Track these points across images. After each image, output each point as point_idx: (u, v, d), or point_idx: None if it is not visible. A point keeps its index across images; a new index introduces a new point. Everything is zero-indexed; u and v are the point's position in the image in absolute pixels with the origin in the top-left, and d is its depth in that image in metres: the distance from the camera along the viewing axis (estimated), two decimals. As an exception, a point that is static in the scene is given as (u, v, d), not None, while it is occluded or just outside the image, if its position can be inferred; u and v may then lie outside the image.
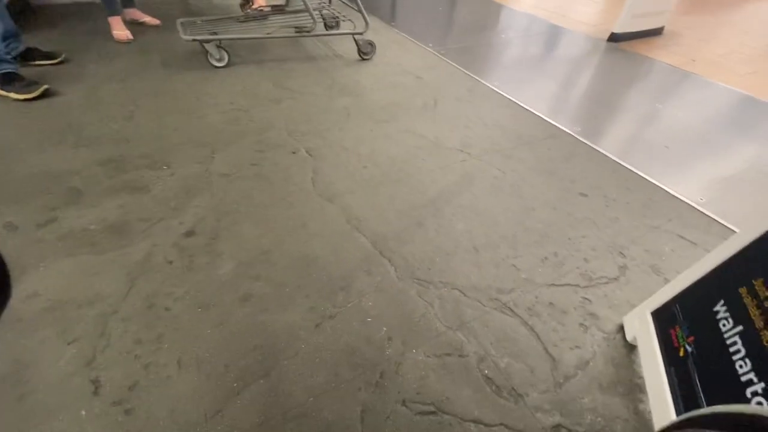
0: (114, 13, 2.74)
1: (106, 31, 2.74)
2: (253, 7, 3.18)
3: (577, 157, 1.94)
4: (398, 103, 2.28)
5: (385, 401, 0.96)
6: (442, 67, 2.79)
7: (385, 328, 1.11)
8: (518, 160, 1.87)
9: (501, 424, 0.94)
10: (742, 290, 0.80)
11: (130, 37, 2.76)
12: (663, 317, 1.01)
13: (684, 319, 0.94)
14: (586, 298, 1.25)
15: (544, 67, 2.96)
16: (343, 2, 3.18)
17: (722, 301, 0.84)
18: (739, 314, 0.80)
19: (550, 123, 2.21)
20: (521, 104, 2.37)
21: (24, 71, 2.12)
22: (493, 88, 2.55)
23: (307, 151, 1.81)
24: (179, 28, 2.46)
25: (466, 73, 2.71)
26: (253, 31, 2.68)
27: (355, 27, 2.75)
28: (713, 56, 3.37)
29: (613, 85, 2.75)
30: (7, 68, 1.98)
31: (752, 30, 4.29)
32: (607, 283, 1.31)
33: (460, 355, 1.06)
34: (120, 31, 2.75)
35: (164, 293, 1.16)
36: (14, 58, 2.13)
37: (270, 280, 1.21)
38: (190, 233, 1.36)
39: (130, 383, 0.95)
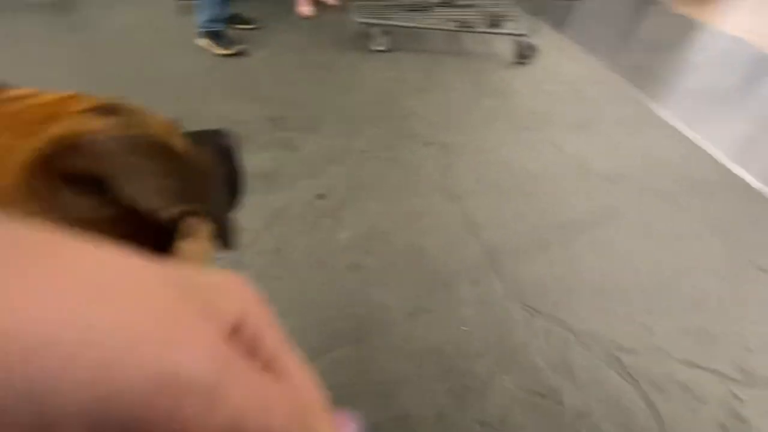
0: (303, -11, 3.09)
1: (292, 4, 3.11)
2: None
3: (764, 222, 1.55)
4: (549, 114, 2.11)
5: (463, 415, 0.92)
6: (609, 83, 2.48)
7: (478, 343, 1.06)
8: (682, 208, 1.57)
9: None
10: None
11: (313, 14, 3.09)
12: None
13: None
14: (736, 396, 1.00)
15: (739, 103, 2.42)
16: (514, 1, 3.04)
17: None
18: None
19: (734, 173, 1.80)
20: (698, 143, 1.98)
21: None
22: (664, 117, 2.18)
23: (442, 145, 1.81)
24: (354, 9, 2.66)
25: (635, 94, 2.37)
26: (417, 20, 2.75)
27: (517, 28, 2.61)
28: None
29: None
30: (219, 27, 2.40)
31: None
32: (774, 386, 1.03)
33: (556, 401, 0.96)
34: (304, 7, 3.10)
35: (290, 242, 1.30)
36: (224, 19, 2.57)
37: (380, 257, 1.26)
38: (321, 196, 1.48)
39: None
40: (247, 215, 1.36)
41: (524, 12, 2.52)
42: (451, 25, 2.65)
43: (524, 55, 2.60)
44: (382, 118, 1.96)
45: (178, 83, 2.09)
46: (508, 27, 2.82)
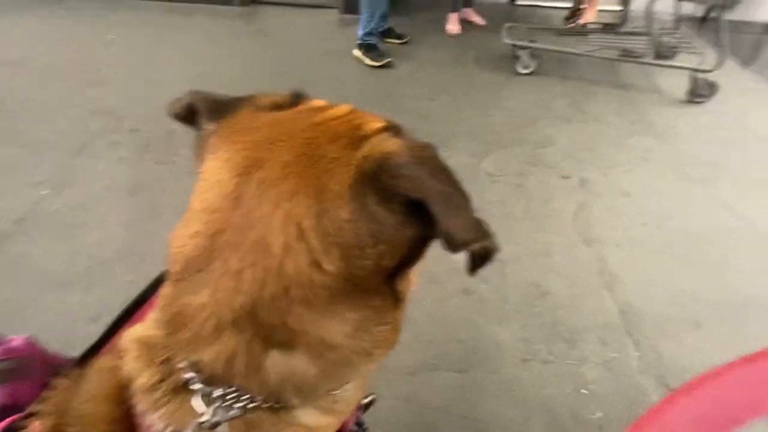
0: (455, 9, 3.17)
1: (443, 22, 3.20)
2: (580, 21, 3.06)
3: None
4: (721, 165, 1.78)
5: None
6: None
7: (600, 414, 0.93)
8: None
9: None
10: None
11: (459, 32, 3.15)
12: None
13: None
14: None
15: None
16: (692, 30, 2.65)
17: None
18: None
19: None
20: None
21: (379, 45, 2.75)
22: None
23: (580, 181, 1.66)
24: (504, 31, 2.62)
25: None
26: (572, 45, 2.58)
27: (700, 63, 2.25)
28: None
29: None
30: (373, 40, 2.59)
31: None
32: None
33: None
34: (453, 25, 3.17)
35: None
36: (379, 33, 2.78)
37: (496, 288, 1.20)
38: (443, 213, 1.48)
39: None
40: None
41: (705, 43, 2.17)
42: (611, 53, 2.42)
43: (699, 93, 2.24)
44: (516, 143, 1.89)
45: (332, 88, 2.32)
46: (684, 60, 2.47)
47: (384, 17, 2.72)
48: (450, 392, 0.96)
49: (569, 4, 3.34)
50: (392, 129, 0.27)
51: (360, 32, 2.58)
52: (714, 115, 2.16)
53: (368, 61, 2.59)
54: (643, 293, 1.20)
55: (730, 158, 1.82)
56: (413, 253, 0.28)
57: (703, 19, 3.75)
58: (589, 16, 3.06)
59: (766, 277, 1.28)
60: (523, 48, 2.49)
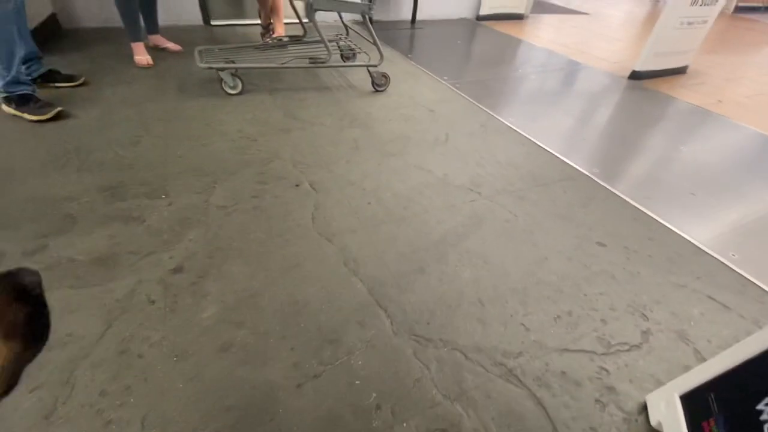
0: (136, 39, 2.81)
1: (129, 55, 2.81)
2: (273, 35, 3.25)
3: (594, 201, 1.83)
4: (409, 136, 2.23)
5: (367, 485, 0.84)
6: (457, 101, 2.74)
7: (374, 394, 1.00)
8: (532, 203, 1.77)
9: None
10: (794, 390, 0.67)
11: (151, 62, 2.82)
12: (694, 405, 0.87)
13: (719, 412, 0.80)
14: (603, 368, 1.11)
15: (562, 103, 2.89)
16: (360, 34, 3.21)
17: (767, 399, 0.71)
18: (791, 420, 0.66)
19: (567, 163, 2.11)
20: (537, 142, 2.29)
21: (43, 93, 2.17)
22: (508, 124, 2.48)
23: (310, 185, 1.75)
24: (196, 55, 2.49)
25: (480, 108, 2.66)
26: (268, 60, 2.70)
27: (369, 59, 2.74)
28: (739, 97, 3.25)
29: (634, 124, 2.65)
30: (24, 90, 2.01)
31: (781, 71, 4.16)
32: (628, 350, 1.17)
33: (456, 432, 0.94)
34: (141, 56, 2.82)
35: (141, 337, 1.08)
36: (34, 79, 2.18)
37: (254, 327, 1.12)
38: (178, 269, 1.29)
39: (88, 444, 0.86)
40: (79, 319, 1.10)
41: (371, 43, 2.65)
42: (304, 62, 2.66)
43: (379, 84, 2.73)
44: (243, 166, 1.83)
45: (-30, 164, 1.68)
46: (361, 59, 2.95)
47: (31, 60, 2.15)
48: (230, 471, 0.83)
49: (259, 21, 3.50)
50: None
51: (0, 84, 1.96)
52: (394, 98, 2.69)
53: (29, 116, 2.01)
54: (380, 263, 1.37)
55: (411, 130, 2.31)
56: None
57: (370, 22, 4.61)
58: (279, 30, 3.28)
59: (454, 213, 1.67)
60: (220, 69, 2.43)
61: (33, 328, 0.44)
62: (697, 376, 0.90)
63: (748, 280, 1.46)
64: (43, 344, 0.45)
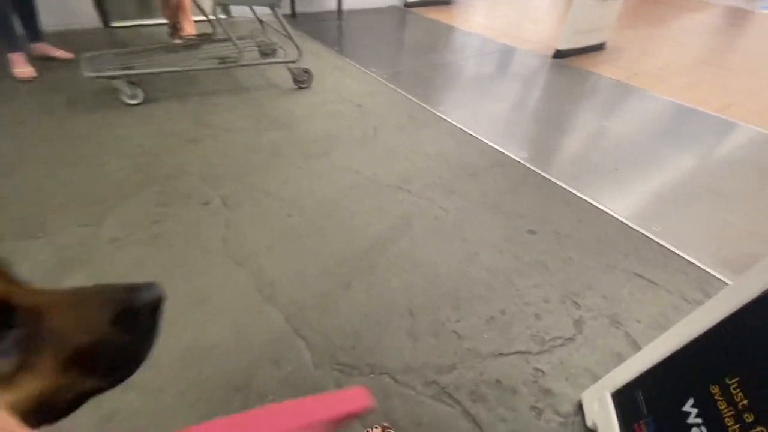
0: (14, 49, 2.43)
1: (7, 68, 2.42)
2: (182, 34, 2.95)
3: (524, 187, 1.80)
4: (334, 134, 2.09)
5: None
6: (385, 92, 2.63)
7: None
8: (462, 195, 1.70)
9: None
10: (714, 389, 0.63)
11: (34, 74, 2.45)
12: (625, 404, 0.83)
13: (648, 413, 0.76)
14: (538, 369, 1.06)
15: (489, 88, 2.87)
16: (276, 30, 2.99)
17: (692, 401, 0.67)
18: (713, 423, 0.62)
19: (496, 149, 2.07)
20: (466, 130, 2.23)
21: None
22: (437, 113, 2.41)
23: (221, 201, 1.57)
24: (82, 63, 2.18)
25: (409, 99, 2.56)
26: (172, 63, 2.43)
27: (287, 55, 2.56)
28: (654, 69, 3.41)
29: (558, 103, 2.68)
30: None
31: (687, 42, 4.45)
32: (562, 345, 1.13)
33: (385, 472, 0.84)
34: (21, 68, 2.44)
35: None
36: None
37: (145, 387, 0.95)
38: (53, 324, 1.08)
39: None
40: None
41: (299, 36, 2.46)
42: (213, 63, 2.42)
43: (301, 80, 2.56)
44: (143, 186, 1.61)
45: None
46: (279, 55, 2.75)
47: None
48: None
49: (166, 21, 3.17)
50: None
51: None
52: (319, 94, 2.53)
53: None
54: (300, 283, 1.24)
55: (337, 127, 2.17)
56: None
57: (293, 15, 4.37)
58: (187, 29, 2.98)
59: (383, 216, 1.57)
60: (112, 78, 2.15)
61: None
62: (625, 371, 0.86)
63: (671, 251, 1.48)
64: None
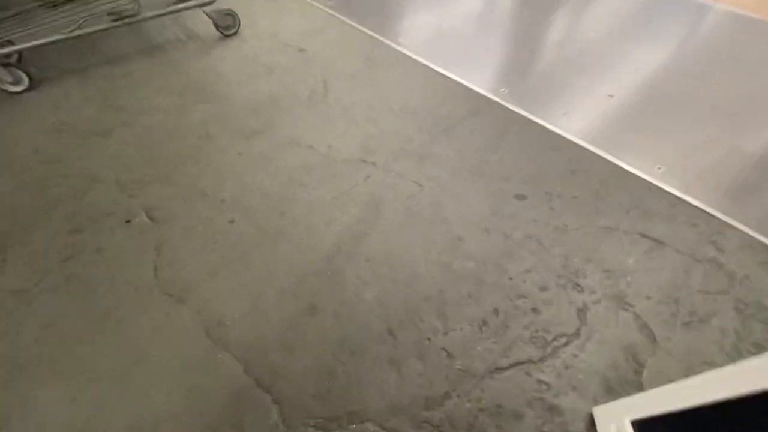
0: None
1: None
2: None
3: (508, 136, 1.53)
4: (276, 98, 1.73)
5: None
6: (333, 27, 2.18)
7: None
8: (436, 161, 1.44)
9: None
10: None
11: None
12: (650, 441, 0.70)
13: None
14: (542, 382, 0.92)
15: (457, 4, 2.41)
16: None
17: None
18: None
19: (471, 89, 1.75)
20: (434, 67, 1.88)
21: None
22: (398, 48, 2.01)
23: (147, 214, 1.29)
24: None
25: (363, 32, 2.13)
26: (58, 27, 1.91)
27: (200, -4, 2.03)
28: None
29: (534, 15, 2.28)
30: None
31: None
32: (565, 344, 0.98)
33: None
34: None
35: None
36: None
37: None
38: (-42, 425, 0.88)
39: None
40: None
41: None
42: (106, 22, 1.91)
43: (224, 26, 2.08)
44: (45, 211, 1.30)
45: None
46: (187, 2, 2.20)
47: None
48: None
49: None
50: None
51: None
52: (251, 42, 2.07)
53: None
54: (256, 315, 1.03)
55: (278, 87, 1.79)
56: None
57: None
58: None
59: (347, 203, 1.32)
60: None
61: None
62: (649, 401, 0.71)
63: (678, 198, 1.30)
64: None
